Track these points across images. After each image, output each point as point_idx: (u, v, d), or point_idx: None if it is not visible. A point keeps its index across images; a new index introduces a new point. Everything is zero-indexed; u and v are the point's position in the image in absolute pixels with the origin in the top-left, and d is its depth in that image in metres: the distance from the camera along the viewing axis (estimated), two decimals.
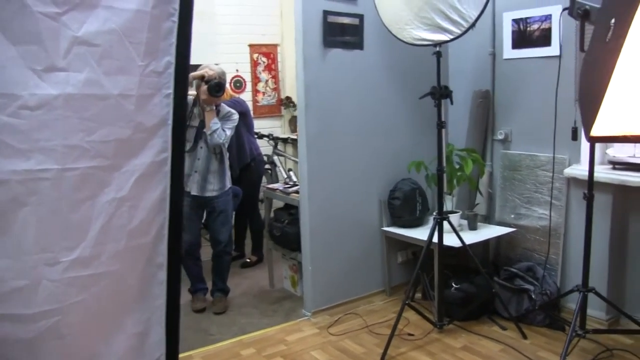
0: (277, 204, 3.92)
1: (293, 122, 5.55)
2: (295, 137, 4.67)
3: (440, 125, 2.91)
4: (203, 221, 3.73)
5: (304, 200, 3.28)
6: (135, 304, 1.68)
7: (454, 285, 3.20)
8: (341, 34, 3.23)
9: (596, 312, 2.99)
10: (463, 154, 3.33)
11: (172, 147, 1.64)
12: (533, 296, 3.07)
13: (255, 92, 5.59)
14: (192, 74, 3.28)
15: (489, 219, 3.63)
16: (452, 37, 2.78)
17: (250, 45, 5.49)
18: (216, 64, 3.51)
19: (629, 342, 2.83)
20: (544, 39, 3.21)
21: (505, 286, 3.17)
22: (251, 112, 4.71)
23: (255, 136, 4.50)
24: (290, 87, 5.56)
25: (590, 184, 2.63)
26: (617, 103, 2.28)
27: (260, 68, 5.57)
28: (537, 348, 2.84)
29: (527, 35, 3.30)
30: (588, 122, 2.37)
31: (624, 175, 2.86)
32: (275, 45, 5.64)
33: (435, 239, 2.98)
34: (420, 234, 3.32)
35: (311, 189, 3.25)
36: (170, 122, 1.63)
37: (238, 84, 5.47)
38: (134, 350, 1.70)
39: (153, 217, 1.65)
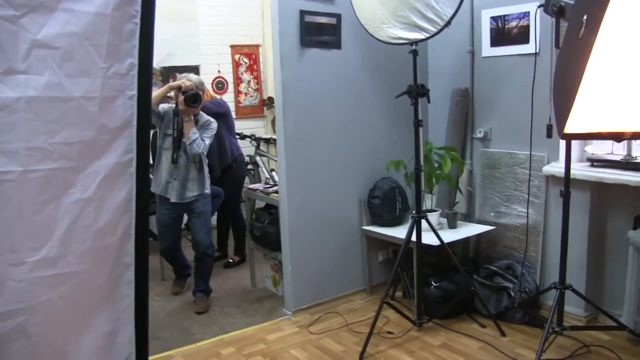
0: (260, 204, 3.92)
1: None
2: None
3: (418, 123, 2.92)
4: (183, 225, 3.75)
5: (283, 199, 3.29)
6: (104, 303, 1.69)
7: (433, 283, 3.22)
8: (319, 33, 3.23)
9: (574, 309, 3.01)
10: (442, 152, 3.34)
11: (137, 148, 1.65)
12: (512, 294, 3.09)
13: (237, 92, 5.59)
14: (170, 84, 3.37)
15: (469, 217, 3.65)
16: (428, 35, 2.79)
17: (232, 46, 5.49)
18: (196, 74, 3.57)
19: (606, 338, 2.85)
20: (523, 36, 3.21)
21: (485, 284, 3.18)
22: (233, 113, 4.72)
23: (237, 137, 4.50)
24: (273, 87, 5.53)
25: (567, 182, 2.65)
26: (591, 100, 2.29)
27: (242, 69, 5.57)
28: (516, 345, 2.85)
29: (506, 32, 3.31)
30: (561, 119, 2.38)
31: (601, 172, 2.88)
32: (257, 46, 5.65)
33: (414, 238, 3.00)
34: (401, 232, 3.33)
35: (290, 189, 3.26)
36: (134, 123, 1.63)
37: (220, 85, 5.47)
38: (103, 349, 1.71)
39: (119, 217, 1.66)
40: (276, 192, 3.48)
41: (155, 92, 3.30)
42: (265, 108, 5.74)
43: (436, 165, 3.37)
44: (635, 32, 2.21)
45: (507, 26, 3.30)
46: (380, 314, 2.89)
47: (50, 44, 1.46)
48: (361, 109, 3.51)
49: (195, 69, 5.19)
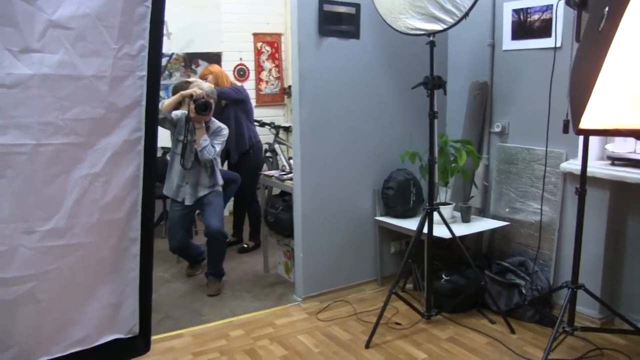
0: (276, 191, 3.96)
1: None
2: None
3: (433, 115, 2.91)
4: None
5: (297, 186, 3.32)
6: (110, 275, 1.76)
7: (444, 276, 3.21)
8: (337, 22, 3.24)
9: (589, 310, 2.95)
10: (458, 145, 3.32)
11: (146, 127, 1.70)
12: (524, 291, 3.06)
13: (258, 80, 5.63)
14: (182, 92, 3.43)
15: (483, 212, 3.62)
16: (445, 26, 2.77)
17: (254, 34, 5.53)
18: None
19: (622, 343, 2.77)
20: (545, 29, 3.15)
21: (496, 280, 3.16)
22: (253, 101, 4.75)
23: (256, 124, 4.54)
24: None
25: (583, 179, 2.60)
26: (609, 95, 2.23)
27: (263, 57, 5.60)
28: (524, 343, 2.82)
29: (528, 26, 3.25)
30: (577, 113, 2.33)
31: (622, 171, 2.79)
32: (279, 35, 5.66)
33: (425, 230, 2.99)
34: (414, 224, 3.30)
35: (304, 176, 3.29)
36: (143, 103, 1.69)
37: (242, 72, 5.53)
38: (108, 319, 1.79)
39: (126, 193, 1.72)
40: (291, 179, 3.52)
41: (168, 100, 3.42)
42: (285, 96, 5.77)
43: (452, 158, 3.35)
44: None
45: (529, 19, 3.24)
46: (389, 305, 2.90)
47: (65, 25, 1.53)
48: (378, 99, 3.51)
49: (217, 56, 5.25)
